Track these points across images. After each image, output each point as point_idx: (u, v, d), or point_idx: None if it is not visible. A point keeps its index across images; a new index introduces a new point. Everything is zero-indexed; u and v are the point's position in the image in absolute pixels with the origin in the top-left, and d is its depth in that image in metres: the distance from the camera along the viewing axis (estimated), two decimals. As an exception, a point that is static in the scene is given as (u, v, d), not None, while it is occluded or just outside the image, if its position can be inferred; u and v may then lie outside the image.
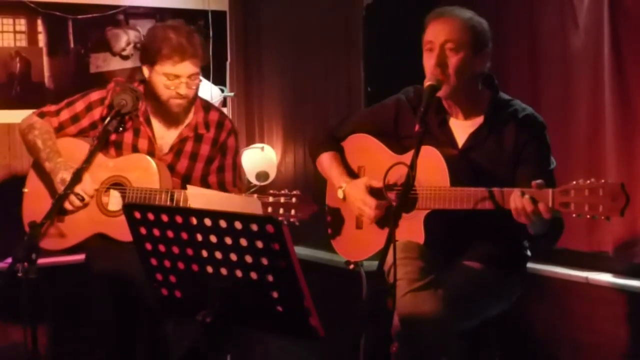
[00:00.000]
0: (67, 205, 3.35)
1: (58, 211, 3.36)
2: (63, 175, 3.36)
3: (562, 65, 3.87)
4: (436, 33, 2.96)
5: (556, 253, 3.77)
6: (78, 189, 3.31)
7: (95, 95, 3.57)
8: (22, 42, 4.48)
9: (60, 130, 3.55)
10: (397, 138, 3.17)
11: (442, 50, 2.93)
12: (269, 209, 3.12)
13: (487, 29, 3.02)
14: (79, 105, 3.56)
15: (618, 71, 3.59)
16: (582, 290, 3.71)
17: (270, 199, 3.12)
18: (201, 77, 4.70)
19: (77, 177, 3.27)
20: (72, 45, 4.59)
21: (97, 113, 3.55)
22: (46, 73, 4.54)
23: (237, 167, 3.64)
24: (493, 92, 3.06)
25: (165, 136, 3.54)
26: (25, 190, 3.58)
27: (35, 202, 3.47)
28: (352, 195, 3.15)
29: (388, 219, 2.83)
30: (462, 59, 2.93)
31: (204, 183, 3.57)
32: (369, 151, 3.23)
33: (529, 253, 3.14)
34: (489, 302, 3.03)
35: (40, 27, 4.50)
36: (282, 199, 3.11)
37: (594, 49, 3.71)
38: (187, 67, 3.39)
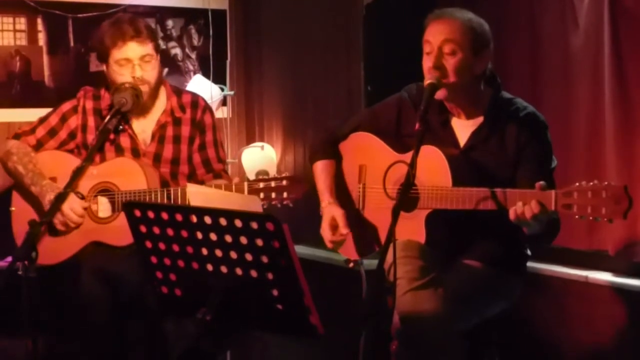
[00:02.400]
0: (60, 226, 3.36)
1: (51, 228, 3.37)
2: (50, 197, 3.33)
3: (562, 65, 3.87)
4: (435, 34, 2.95)
5: (556, 252, 3.77)
6: (70, 204, 3.32)
7: (66, 106, 3.58)
8: (22, 40, 4.48)
9: (39, 147, 3.54)
10: (399, 137, 3.17)
11: (440, 52, 2.92)
12: (261, 195, 3.14)
13: (487, 30, 3.01)
14: (53, 119, 3.56)
15: (618, 71, 3.60)
16: (582, 290, 3.71)
17: (261, 185, 3.13)
18: (201, 76, 4.74)
19: (77, 175, 3.26)
20: (72, 44, 4.59)
21: (72, 122, 3.55)
22: (46, 72, 4.54)
23: (218, 142, 3.63)
24: (494, 91, 3.06)
25: (146, 129, 3.54)
26: (13, 209, 3.57)
27: (24, 219, 3.44)
28: (324, 217, 3.20)
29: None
30: (461, 60, 2.92)
31: (190, 163, 3.57)
32: (370, 150, 3.23)
33: (529, 252, 3.14)
34: (489, 301, 3.03)
35: (40, 25, 4.51)
36: (273, 183, 3.14)
37: (594, 49, 3.71)
38: (133, 48, 3.39)
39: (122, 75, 3.39)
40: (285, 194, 3.12)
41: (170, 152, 3.53)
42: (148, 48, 3.42)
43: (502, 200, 2.77)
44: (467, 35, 2.93)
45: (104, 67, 3.48)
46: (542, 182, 2.68)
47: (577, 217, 2.63)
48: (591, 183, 2.61)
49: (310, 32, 4.75)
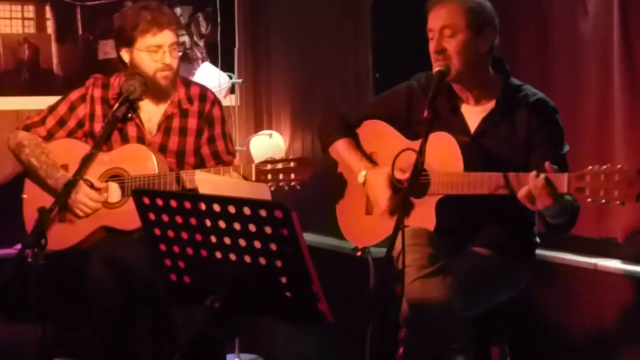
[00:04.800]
0: (78, 211, 3.38)
1: (60, 215, 3.39)
2: None
3: (571, 51, 3.86)
4: (435, 20, 2.99)
5: (565, 240, 3.76)
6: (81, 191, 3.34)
7: (75, 95, 3.60)
8: (31, 28, 4.48)
9: (49, 137, 3.57)
10: (410, 124, 3.18)
11: (441, 36, 2.97)
12: (269, 176, 3.15)
13: (488, 8, 3.04)
14: (62, 108, 3.58)
15: (627, 58, 3.58)
16: (591, 277, 3.70)
17: (269, 166, 3.15)
18: (209, 64, 4.74)
19: (85, 163, 3.28)
20: (80, 32, 4.59)
21: (80, 111, 3.58)
22: (54, 60, 4.54)
23: (227, 135, 3.66)
24: (504, 78, 3.07)
25: (152, 118, 3.55)
26: (24, 196, 3.59)
27: (35, 207, 3.46)
28: (372, 182, 3.14)
29: (398, 204, 2.83)
30: (462, 41, 2.95)
31: (197, 155, 3.58)
32: (381, 137, 3.23)
33: (537, 240, 3.14)
34: (497, 289, 3.03)
35: (48, 13, 4.50)
36: (281, 165, 3.15)
37: (603, 35, 3.70)
38: (167, 36, 3.44)
39: (154, 61, 3.44)
40: (292, 176, 3.13)
41: (176, 144, 3.54)
42: (176, 36, 3.49)
43: (516, 185, 2.77)
44: (464, 16, 2.96)
45: (125, 52, 3.49)
46: (554, 166, 2.69)
47: (589, 200, 2.63)
48: (604, 166, 2.61)
49: (318, 19, 4.74)
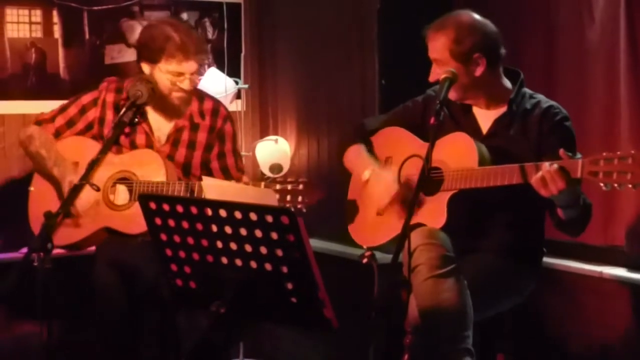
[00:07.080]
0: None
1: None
2: (71, 178, 3.40)
3: (578, 59, 3.86)
4: (429, 50, 3.10)
5: (570, 247, 3.77)
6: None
7: (87, 98, 3.60)
8: (38, 33, 4.49)
9: (57, 136, 3.59)
10: (426, 129, 3.20)
11: (436, 65, 3.07)
12: (277, 196, 3.15)
13: (478, 30, 3.06)
14: (72, 110, 3.59)
15: (634, 65, 3.59)
16: (596, 285, 3.70)
17: (278, 187, 3.15)
18: (215, 69, 4.74)
19: (92, 167, 3.28)
20: (87, 36, 4.60)
21: (91, 115, 3.59)
22: (61, 64, 4.55)
23: (237, 152, 3.68)
24: (518, 87, 3.12)
25: (162, 127, 3.56)
26: (32, 189, 3.60)
27: (41, 201, 3.47)
28: (376, 180, 3.16)
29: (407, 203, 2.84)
30: (449, 71, 3.01)
31: (205, 169, 3.59)
32: (398, 141, 3.28)
33: (544, 250, 3.16)
34: (503, 294, 3.04)
35: (55, 18, 4.51)
36: (290, 186, 3.15)
37: (610, 43, 3.70)
38: (191, 65, 3.42)
39: (171, 83, 3.42)
40: (300, 198, 3.13)
41: (183, 156, 3.55)
42: (200, 63, 3.47)
43: (530, 173, 2.79)
44: (449, 49, 3.03)
45: (146, 66, 3.46)
46: (564, 150, 2.71)
47: (601, 184, 2.65)
48: (618, 152, 2.63)
49: (324, 25, 4.74)
